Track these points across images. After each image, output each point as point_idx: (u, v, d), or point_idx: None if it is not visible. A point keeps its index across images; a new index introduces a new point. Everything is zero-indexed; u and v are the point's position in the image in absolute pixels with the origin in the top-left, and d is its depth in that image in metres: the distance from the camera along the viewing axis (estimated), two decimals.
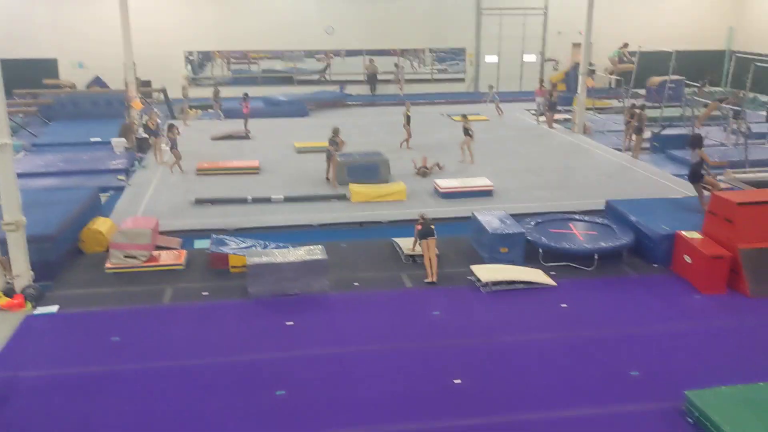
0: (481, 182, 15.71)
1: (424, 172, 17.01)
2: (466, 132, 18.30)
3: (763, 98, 26.48)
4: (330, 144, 16.40)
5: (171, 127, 17.34)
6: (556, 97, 23.61)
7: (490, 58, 31.44)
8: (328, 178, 16.35)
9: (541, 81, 25.32)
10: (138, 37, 22.24)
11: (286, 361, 8.64)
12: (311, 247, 11.06)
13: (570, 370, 8.45)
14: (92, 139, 20.99)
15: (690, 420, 7.34)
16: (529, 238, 11.79)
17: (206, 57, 31.31)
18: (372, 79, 30.51)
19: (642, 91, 27.64)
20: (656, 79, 27.09)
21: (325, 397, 7.86)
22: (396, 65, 30.73)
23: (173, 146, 17.16)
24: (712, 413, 7.10)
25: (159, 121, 18.80)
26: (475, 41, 31.21)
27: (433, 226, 11.25)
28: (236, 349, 8.93)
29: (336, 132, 16.50)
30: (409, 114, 20.15)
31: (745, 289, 10.44)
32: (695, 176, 13.03)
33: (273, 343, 9.10)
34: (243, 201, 14.99)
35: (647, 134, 20.00)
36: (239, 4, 29.36)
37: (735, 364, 8.53)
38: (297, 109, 26.10)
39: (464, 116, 19.01)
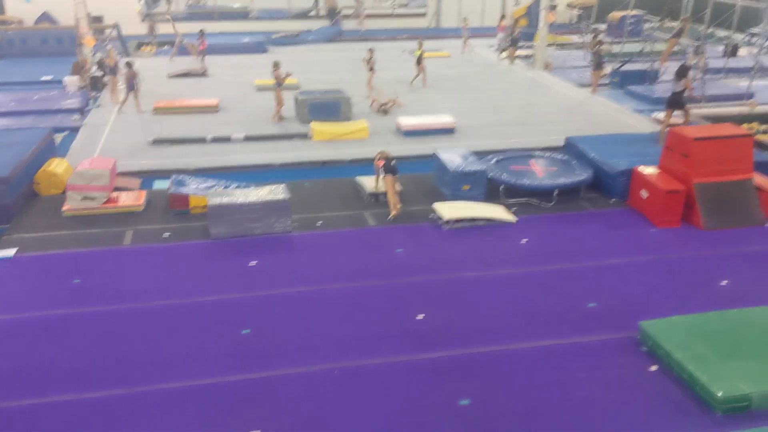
0: (443, 120, 15.67)
1: (384, 110, 16.88)
2: (370, 68, 18.13)
3: (721, 33, 26.66)
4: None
5: (129, 64, 16.73)
6: (518, 33, 23.43)
7: None
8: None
9: (503, 16, 25.04)
10: None
11: (251, 301, 8.69)
12: (273, 186, 10.98)
13: (530, 303, 8.67)
14: (43, 78, 20.34)
15: (644, 349, 7.63)
16: (490, 175, 11.89)
17: None
18: (332, 15, 29.84)
19: (603, 26, 27.59)
20: (617, 14, 27.04)
21: (289, 335, 7.96)
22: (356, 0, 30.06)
23: (131, 86, 16.58)
24: (664, 342, 7.39)
25: (118, 58, 18.14)
26: None
27: (394, 163, 11.22)
28: (199, 290, 8.93)
29: (276, 65, 16.03)
30: (420, 52, 19.78)
31: (699, 223, 10.73)
32: (676, 103, 13.40)
33: (236, 283, 9.12)
34: (202, 140, 14.76)
35: (607, 69, 20.07)
36: None
37: (687, 295, 8.84)
38: (255, 45, 25.46)
39: (370, 50, 18.53)
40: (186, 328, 8.09)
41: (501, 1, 31.23)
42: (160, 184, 12.41)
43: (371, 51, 18.31)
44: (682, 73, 13.40)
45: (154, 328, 8.10)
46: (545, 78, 21.14)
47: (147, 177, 12.87)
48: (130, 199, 11.52)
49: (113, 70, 17.89)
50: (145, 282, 9.16)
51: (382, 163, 11.22)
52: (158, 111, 16.91)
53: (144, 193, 11.75)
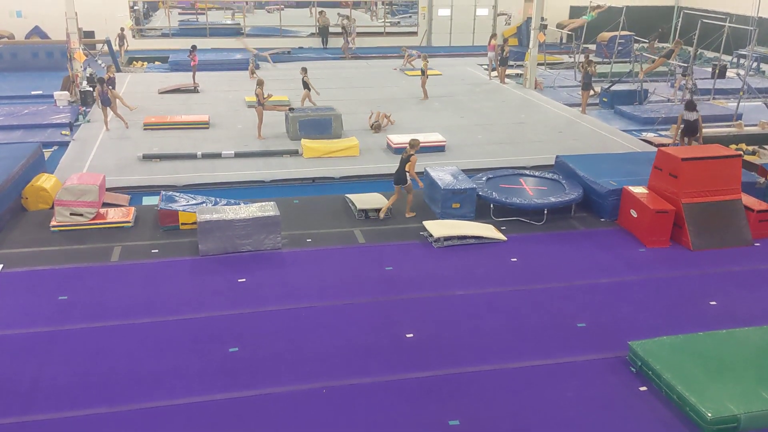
0: (433, 137, 15.70)
1: (377, 126, 16.93)
2: (305, 86, 18.14)
3: (710, 54, 26.95)
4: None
5: (101, 81, 16.55)
6: (508, 52, 23.61)
7: (443, 12, 31.18)
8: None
9: (494, 35, 25.23)
10: None
11: (239, 318, 8.63)
12: (263, 203, 10.96)
13: (519, 322, 8.65)
14: (33, 92, 20.29)
15: (633, 369, 7.62)
16: (480, 193, 11.91)
17: (152, 7, 30.36)
18: (324, 32, 29.99)
19: (592, 47, 27.85)
20: (606, 35, 27.30)
21: (278, 353, 7.90)
22: (347, 18, 30.23)
23: (106, 101, 16.39)
24: (653, 362, 7.38)
25: (114, 76, 18.02)
26: None
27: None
28: (188, 307, 8.87)
29: (259, 84, 16.01)
30: (424, 68, 20.38)
31: (688, 243, 10.77)
32: (691, 131, 14.69)
33: (225, 300, 9.06)
34: (192, 156, 14.71)
35: (596, 89, 20.23)
36: None
37: (676, 315, 8.85)
38: (247, 61, 25.46)
39: (304, 69, 18.51)
40: (173, 346, 8.01)
41: (492, 20, 31.60)
42: (149, 200, 12.37)
43: (304, 70, 18.24)
44: (693, 105, 14.60)
45: (141, 346, 8.01)
46: (535, 97, 21.27)
47: (136, 193, 12.82)
48: (119, 214, 11.45)
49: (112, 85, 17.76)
50: (132, 298, 9.08)
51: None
52: (148, 126, 16.87)
53: (133, 209, 11.69)
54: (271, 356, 7.84)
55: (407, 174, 11.61)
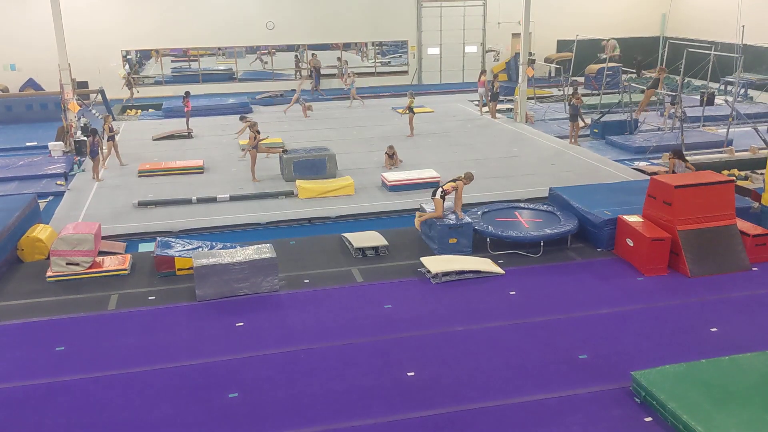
0: (427, 174, 15.79)
1: (391, 163, 17.05)
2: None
3: (697, 82, 27.29)
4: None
5: (94, 131, 16.69)
6: (498, 87, 23.89)
7: (432, 50, 31.60)
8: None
9: (483, 72, 25.55)
10: (73, 38, 21.69)
11: (238, 363, 8.55)
12: (259, 245, 10.95)
13: (521, 356, 8.58)
14: (28, 144, 20.39)
15: (637, 400, 7.55)
16: (476, 227, 11.93)
17: (145, 55, 30.73)
18: (316, 74, 30.31)
19: (581, 79, 28.20)
20: (594, 67, 27.66)
21: (278, 397, 7.81)
22: (339, 59, 30.61)
23: (94, 152, 16.48)
24: (657, 392, 7.31)
25: (112, 126, 18.09)
26: (416, 33, 31.32)
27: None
28: (186, 354, 8.79)
29: (251, 127, 16.07)
30: (411, 105, 20.65)
31: (686, 270, 10.77)
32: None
33: (223, 345, 8.99)
34: (188, 201, 14.75)
35: (587, 121, 20.42)
36: (177, 1, 28.74)
37: (678, 343, 8.80)
38: (240, 105, 25.73)
39: (243, 117, 18.39)
40: (173, 393, 7.92)
41: (481, 57, 32.02)
42: (145, 247, 12.35)
43: (244, 118, 18.18)
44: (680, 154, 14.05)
45: (140, 394, 7.92)
46: (527, 131, 21.45)
47: (132, 240, 12.81)
48: (115, 262, 11.42)
49: (112, 137, 17.87)
50: (130, 347, 9.00)
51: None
52: (143, 173, 16.94)
53: (129, 257, 11.66)
54: (272, 400, 7.75)
55: (440, 189, 12.03)
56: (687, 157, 16.72)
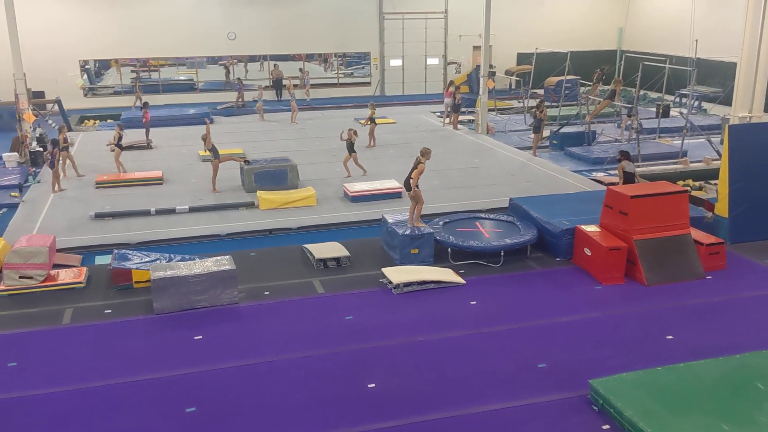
0: (389, 184, 15.82)
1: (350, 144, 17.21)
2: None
3: (653, 95, 27.88)
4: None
5: (54, 142, 16.35)
6: (460, 99, 24.09)
7: (395, 62, 31.78)
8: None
9: (451, 82, 25.73)
10: (29, 47, 21.29)
11: (196, 377, 8.42)
12: (219, 257, 10.83)
13: (481, 366, 8.62)
14: None
15: (595, 407, 7.62)
16: (438, 238, 11.98)
17: (104, 65, 30.29)
18: (278, 85, 30.24)
19: (540, 91, 28.59)
20: (553, 79, 28.07)
21: (237, 411, 7.71)
22: (301, 70, 30.58)
23: (52, 163, 16.13)
24: (615, 400, 7.40)
25: (66, 136, 17.71)
26: (379, 45, 31.46)
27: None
28: (143, 368, 8.63)
29: (204, 135, 15.99)
30: (372, 116, 20.61)
31: (642, 278, 10.95)
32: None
33: (181, 358, 8.85)
34: (146, 213, 14.52)
35: (545, 132, 20.71)
36: (137, 10, 28.43)
37: (635, 351, 8.92)
38: (201, 116, 25.47)
39: (119, 125, 18.08)
40: (129, 408, 7.76)
41: (443, 69, 32.29)
42: (102, 260, 12.11)
43: (120, 127, 18.05)
44: (626, 156, 13.89)
45: (94, 410, 7.75)
46: (488, 142, 21.65)
47: (88, 253, 12.55)
48: (71, 275, 11.18)
49: (66, 147, 17.51)
50: (85, 361, 8.80)
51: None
52: (100, 185, 16.65)
53: (85, 270, 11.43)
54: (231, 414, 7.65)
55: (411, 180, 11.99)
56: (644, 168, 17.13)
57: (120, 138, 17.53)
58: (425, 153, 12.13)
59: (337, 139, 21.58)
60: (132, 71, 30.06)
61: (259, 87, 27.15)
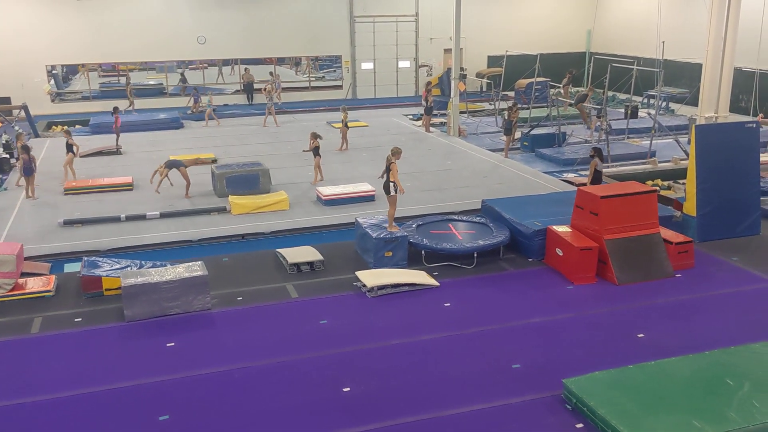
0: (362, 188, 15.81)
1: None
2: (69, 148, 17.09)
3: (622, 96, 28.24)
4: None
5: (26, 148, 16.07)
6: (432, 101, 24.18)
7: (366, 65, 31.80)
8: None
9: (429, 83, 25.77)
10: None
11: (169, 384, 8.33)
12: (190, 263, 10.73)
13: (456, 368, 8.64)
14: None
15: (569, 407, 7.69)
16: (411, 240, 12.00)
17: (71, 70, 29.89)
18: (249, 89, 30.08)
19: (511, 94, 28.81)
20: (523, 82, 28.31)
21: (211, 418, 7.64)
22: (272, 74, 30.45)
23: (28, 171, 15.88)
24: (588, 399, 7.47)
25: (26, 143, 17.40)
26: (350, 48, 31.44)
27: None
28: (114, 376, 8.51)
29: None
30: (345, 120, 20.60)
31: (613, 278, 11.07)
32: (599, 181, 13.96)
33: (154, 366, 8.75)
34: (116, 219, 14.33)
35: (517, 134, 20.88)
36: (105, 14, 28.06)
37: (607, 350, 9.02)
38: (171, 120, 25.24)
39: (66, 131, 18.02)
40: (100, 418, 7.65)
41: (414, 72, 32.38)
42: (71, 267, 11.92)
43: (67, 132, 18.05)
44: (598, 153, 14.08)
45: (65, 420, 7.63)
46: (460, 144, 21.75)
47: (57, 260, 12.35)
48: (39, 284, 11.00)
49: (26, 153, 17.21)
50: (55, 371, 8.66)
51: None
52: (69, 191, 16.41)
53: (54, 278, 11.25)
54: (205, 422, 7.57)
55: (391, 183, 11.93)
56: (613, 168, 17.34)
57: (70, 145, 17.25)
58: (396, 152, 12.15)
59: (308, 143, 21.58)
60: (120, 75, 29.70)
61: (210, 94, 26.65)
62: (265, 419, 7.60)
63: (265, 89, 25.95)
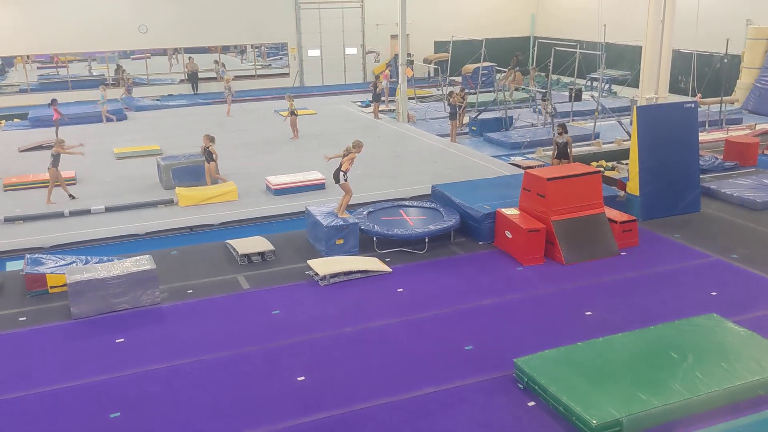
0: (312, 176, 15.73)
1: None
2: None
3: (566, 80, 28.69)
4: None
5: None
6: (380, 89, 24.16)
7: (313, 52, 31.57)
8: None
9: (389, 65, 25.75)
10: None
11: (119, 381, 8.19)
12: (138, 257, 10.53)
13: (409, 352, 8.71)
14: None
15: (520, 386, 7.83)
16: (362, 227, 12.01)
17: (7, 63, 28.89)
18: (193, 78, 29.57)
19: (458, 79, 29.00)
20: (470, 67, 28.51)
21: (163, 413, 7.54)
22: (216, 62, 29.98)
23: None
24: (538, 377, 7.63)
25: None
26: (296, 35, 31.16)
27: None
28: (62, 375, 8.32)
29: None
30: (292, 108, 20.48)
31: (561, 258, 11.29)
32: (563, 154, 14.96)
33: (103, 363, 8.58)
34: (59, 215, 13.96)
35: (464, 119, 21.02)
36: (42, 3, 27.14)
37: (556, 328, 9.21)
38: (115, 112, 24.62)
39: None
40: (49, 418, 7.48)
41: (362, 59, 32.29)
42: (13, 265, 11.58)
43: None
44: (564, 127, 14.95)
45: (12, 422, 7.43)
46: (409, 130, 21.81)
47: None
48: None
49: None
50: (0, 372, 8.44)
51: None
52: (9, 187, 15.91)
53: None
54: (156, 417, 7.47)
55: (341, 173, 11.98)
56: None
57: None
58: (357, 146, 12.17)
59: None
60: (59, 66, 28.80)
61: (102, 87, 25.14)
62: (218, 412, 7.54)
63: (225, 79, 25.51)
